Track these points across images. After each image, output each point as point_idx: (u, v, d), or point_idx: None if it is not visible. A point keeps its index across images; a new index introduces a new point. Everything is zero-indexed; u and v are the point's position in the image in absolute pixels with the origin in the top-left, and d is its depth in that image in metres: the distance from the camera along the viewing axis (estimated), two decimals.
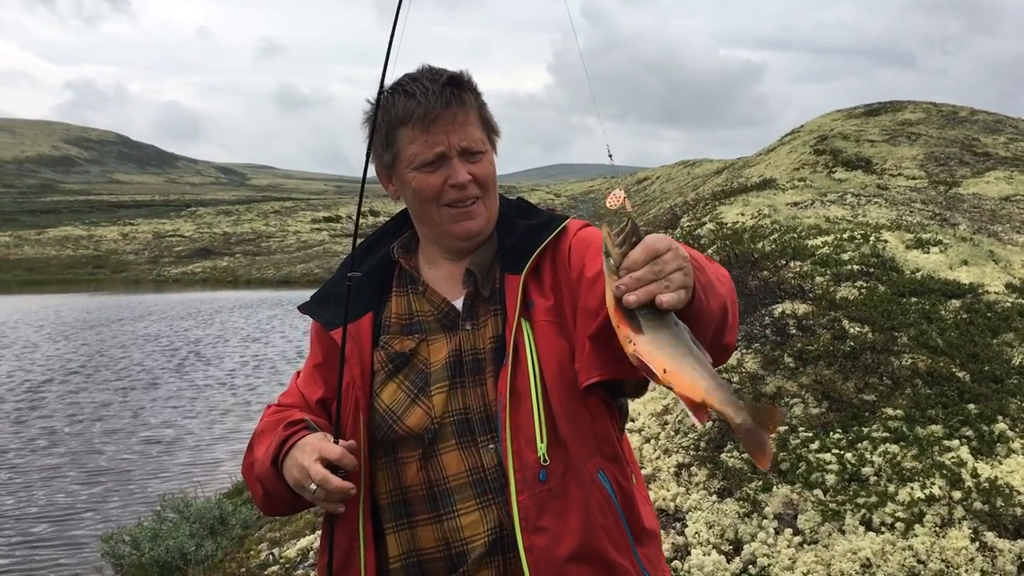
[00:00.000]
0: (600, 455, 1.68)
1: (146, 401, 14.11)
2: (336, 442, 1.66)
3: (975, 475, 4.30)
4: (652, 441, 5.24)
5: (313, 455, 1.62)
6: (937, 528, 4.00)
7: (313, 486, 1.60)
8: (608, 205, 1.44)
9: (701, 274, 1.47)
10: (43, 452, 10.94)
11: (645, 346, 1.38)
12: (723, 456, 4.79)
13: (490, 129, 1.79)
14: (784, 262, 7.41)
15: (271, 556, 5.79)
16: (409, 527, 1.70)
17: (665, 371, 1.37)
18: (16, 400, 14.31)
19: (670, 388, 1.37)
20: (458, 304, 1.77)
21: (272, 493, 1.75)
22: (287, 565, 5.51)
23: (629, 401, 1.85)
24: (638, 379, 1.71)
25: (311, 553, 5.55)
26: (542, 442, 1.62)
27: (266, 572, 5.53)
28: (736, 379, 5.46)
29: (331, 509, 1.66)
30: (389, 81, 1.78)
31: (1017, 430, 4.68)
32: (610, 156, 1.55)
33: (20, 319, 28.03)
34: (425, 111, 1.68)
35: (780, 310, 6.21)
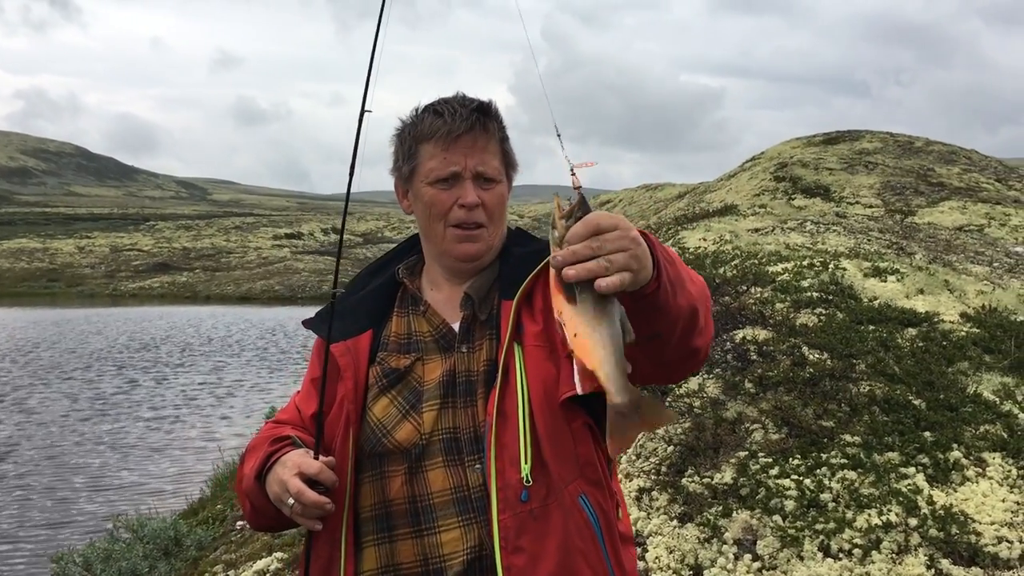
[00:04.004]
0: (583, 479, 1.69)
1: (87, 427, 13.60)
2: (316, 458, 1.71)
3: (931, 502, 4.36)
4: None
5: (293, 470, 1.68)
6: (894, 555, 4.05)
7: (291, 500, 1.66)
8: (573, 186, 1.49)
9: (671, 267, 1.49)
10: None
11: (570, 314, 1.40)
12: (684, 481, 4.81)
13: (508, 163, 1.87)
14: (745, 288, 7.49)
15: None
16: (390, 541, 1.73)
17: (576, 335, 1.39)
18: None
19: (572, 353, 1.41)
20: (456, 327, 1.82)
21: (258, 508, 1.80)
22: None
23: None
24: None
25: None
26: (526, 463, 1.64)
27: None
28: (698, 403, 5.50)
29: (309, 525, 1.70)
30: (368, 98, 1.88)
31: (971, 458, 4.76)
32: (573, 174, 1.57)
33: None
34: (449, 130, 1.77)
35: (741, 336, 6.28)
